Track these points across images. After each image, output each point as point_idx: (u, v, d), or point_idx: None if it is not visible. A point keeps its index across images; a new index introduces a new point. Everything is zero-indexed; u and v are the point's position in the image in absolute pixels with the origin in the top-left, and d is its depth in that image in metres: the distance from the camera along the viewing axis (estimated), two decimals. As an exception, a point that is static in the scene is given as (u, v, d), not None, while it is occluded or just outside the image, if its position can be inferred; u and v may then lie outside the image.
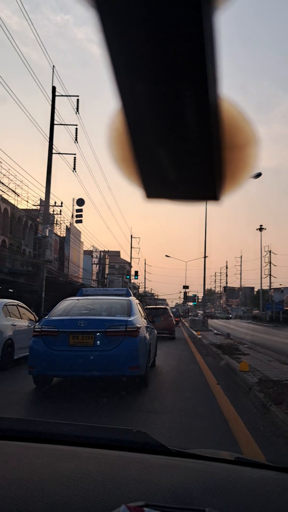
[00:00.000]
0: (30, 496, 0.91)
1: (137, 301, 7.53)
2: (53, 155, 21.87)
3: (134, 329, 5.95)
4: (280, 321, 44.94)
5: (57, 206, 25.12)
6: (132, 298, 7.39)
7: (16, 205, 31.25)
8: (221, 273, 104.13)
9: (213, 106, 0.52)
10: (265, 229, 59.42)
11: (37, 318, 10.25)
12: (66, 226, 41.35)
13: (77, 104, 24.22)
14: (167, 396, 6.14)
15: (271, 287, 63.85)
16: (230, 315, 72.54)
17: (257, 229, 58.72)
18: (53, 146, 22.04)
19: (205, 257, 27.22)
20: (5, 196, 29.15)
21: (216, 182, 0.61)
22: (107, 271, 59.16)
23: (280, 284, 67.65)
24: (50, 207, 24.09)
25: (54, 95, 22.87)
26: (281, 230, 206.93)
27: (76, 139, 23.91)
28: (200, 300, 74.50)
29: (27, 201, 29.96)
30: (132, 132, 0.55)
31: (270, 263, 62.12)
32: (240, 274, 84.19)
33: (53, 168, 22.69)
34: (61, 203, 25.09)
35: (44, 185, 21.45)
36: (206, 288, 29.67)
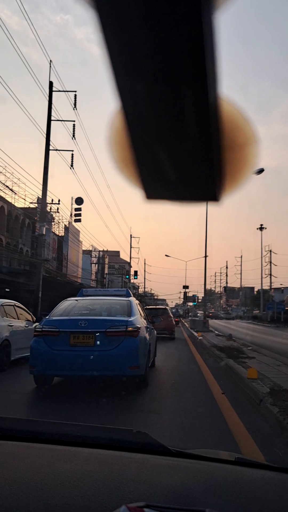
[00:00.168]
0: (30, 496, 0.91)
1: (137, 301, 7.53)
2: (51, 152, 21.44)
3: (134, 329, 5.98)
4: (281, 322, 44.43)
5: (54, 203, 24.58)
6: (132, 298, 7.40)
7: (13, 203, 30.72)
8: (221, 273, 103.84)
9: (213, 106, 0.52)
10: (266, 228, 59.01)
11: (34, 318, 10.15)
12: (65, 225, 40.85)
13: (75, 100, 23.77)
14: (167, 400, 6.14)
15: (272, 287, 63.39)
16: (235, 316, 70.60)
17: (257, 229, 58.33)
18: (50, 143, 21.56)
19: (205, 256, 26.68)
20: (1, 194, 28.64)
21: (216, 182, 0.60)
22: (106, 271, 58.66)
23: (281, 284, 67.25)
24: (47, 204, 23.59)
25: (51, 91, 22.46)
26: (281, 229, 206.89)
27: (73, 136, 23.42)
28: (200, 300, 73.95)
29: (24, 199, 29.42)
30: (132, 132, 0.55)
31: (270, 262, 61.76)
32: (240, 274, 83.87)
33: (51, 166, 22.22)
34: (58, 200, 24.50)
35: (41, 182, 20.95)
36: (206, 288, 29.13)
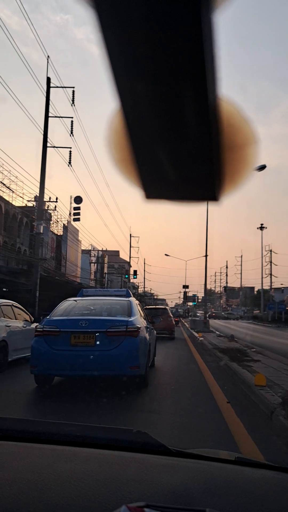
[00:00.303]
0: (31, 497, 0.90)
1: (136, 301, 7.55)
2: (49, 150, 21.04)
3: (135, 329, 6.00)
4: (282, 321, 43.97)
5: (52, 201, 24.16)
6: (132, 298, 7.43)
7: (11, 201, 30.28)
8: (221, 273, 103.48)
9: (212, 106, 0.52)
10: (266, 228, 58.65)
11: (32, 318, 10.01)
12: (63, 224, 40.40)
13: (73, 96, 23.36)
14: (167, 402, 6.02)
15: (272, 286, 62.97)
16: (239, 316, 67.59)
17: (258, 228, 57.97)
18: (48, 140, 21.12)
19: (206, 255, 26.21)
20: (-1, 192, 28.19)
21: (215, 182, 0.60)
22: (106, 271, 58.22)
23: (281, 284, 66.80)
24: (45, 203, 23.14)
25: (48, 87, 22.07)
26: (281, 229, 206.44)
27: (71, 132, 22.98)
28: (200, 300, 73.47)
29: (22, 198, 28.98)
30: (131, 132, 0.55)
31: (271, 262, 61.37)
32: (241, 274, 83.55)
33: (50, 164, 21.84)
34: (56, 198, 24.10)
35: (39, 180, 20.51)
36: (206, 287, 28.65)
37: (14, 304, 9.39)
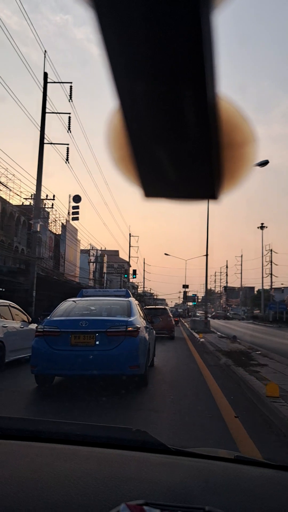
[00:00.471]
0: (30, 495, 0.90)
1: (136, 302, 7.55)
2: (47, 147, 20.59)
3: (134, 329, 6.04)
4: (283, 321, 43.49)
5: (49, 199, 23.57)
6: (132, 299, 7.47)
7: (8, 200, 29.74)
8: (221, 272, 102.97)
9: (211, 105, 0.52)
10: (266, 227, 58.21)
11: (30, 319, 9.86)
12: (62, 224, 39.86)
13: (70, 92, 22.84)
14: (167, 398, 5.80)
15: (272, 286, 62.44)
16: (244, 316, 64.80)
17: (258, 227, 57.55)
18: (45, 137, 20.63)
19: (207, 254, 25.65)
20: (-5, 190, 27.63)
21: (214, 180, 0.61)
22: (105, 270, 57.68)
23: (282, 284, 66.26)
24: (42, 200, 22.62)
25: (45, 82, 21.64)
26: (281, 229, 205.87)
27: (69, 129, 22.48)
28: (200, 300, 72.82)
29: (20, 196, 28.40)
30: (131, 131, 0.55)
31: (271, 262, 60.93)
32: (241, 273, 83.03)
33: (49, 164, 21.46)
34: (53, 196, 23.49)
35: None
36: (207, 286, 28.06)
37: (11, 305, 9.24)
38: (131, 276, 57.61)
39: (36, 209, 20.93)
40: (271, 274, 60.51)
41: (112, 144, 0.59)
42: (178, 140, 0.56)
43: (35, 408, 5.33)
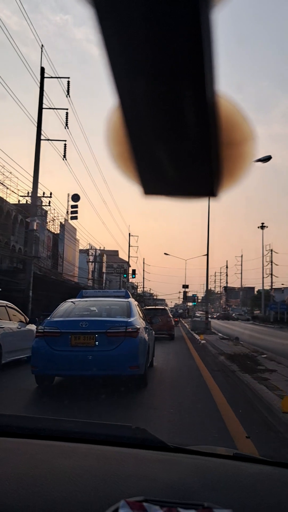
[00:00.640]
0: (30, 492, 0.90)
1: (136, 302, 7.58)
2: (45, 146, 19.99)
3: (134, 330, 6.06)
4: (284, 322, 42.94)
5: (46, 197, 23.03)
6: (131, 299, 7.50)
7: (5, 198, 29.17)
8: (221, 272, 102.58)
9: (211, 103, 0.52)
10: (267, 227, 57.74)
11: (27, 319, 9.72)
12: (60, 223, 39.32)
13: (68, 87, 22.31)
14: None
15: (273, 286, 61.93)
16: (249, 317, 61.28)
17: (258, 227, 57.14)
18: (42, 133, 20.12)
19: (207, 253, 25.10)
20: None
21: (214, 178, 0.61)
22: (104, 270, 57.14)
23: (282, 284, 65.77)
24: (39, 198, 22.10)
25: (42, 77, 21.16)
26: (282, 229, 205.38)
27: (66, 125, 21.97)
28: (199, 300, 72.27)
29: (17, 194, 27.84)
30: (130, 129, 0.56)
31: (271, 262, 60.50)
32: (241, 273, 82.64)
33: (47, 163, 21.07)
34: (50, 193, 22.97)
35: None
36: (208, 285, 27.45)
37: (9, 305, 9.09)
38: (130, 276, 57.10)
39: (33, 207, 20.40)
40: (272, 274, 60.08)
41: (111, 142, 0.59)
42: (177, 138, 0.56)
43: (35, 408, 5.34)
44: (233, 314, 67.86)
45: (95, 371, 5.80)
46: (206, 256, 24.49)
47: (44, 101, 20.61)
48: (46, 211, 33.42)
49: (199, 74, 0.47)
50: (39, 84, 20.67)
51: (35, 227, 20.34)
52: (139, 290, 75.22)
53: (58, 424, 1.43)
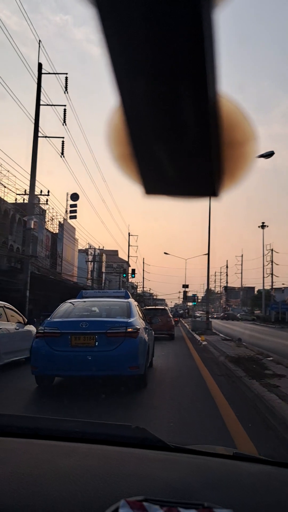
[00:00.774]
0: (30, 492, 0.90)
1: (135, 303, 7.57)
2: (43, 142, 19.56)
3: (134, 330, 6.05)
4: (285, 322, 42.53)
5: (43, 195, 22.58)
6: (131, 300, 7.50)
7: (2, 197, 28.72)
8: (221, 272, 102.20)
9: (212, 103, 0.52)
10: (267, 226, 57.38)
11: (26, 320, 9.58)
12: (59, 222, 38.91)
13: (66, 83, 21.92)
14: None
15: (273, 286, 61.54)
16: (254, 317, 59.56)
17: (259, 227, 56.79)
18: (40, 130, 19.72)
19: (208, 252, 24.66)
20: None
21: (215, 178, 0.60)
22: (103, 270, 56.72)
23: (283, 284, 65.35)
24: (36, 196, 21.68)
25: (40, 73, 20.76)
26: (282, 229, 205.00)
27: (64, 121, 21.55)
28: (199, 300, 71.81)
29: (15, 193, 27.38)
30: (131, 129, 0.55)
31: (272, 262, 60.15)
32: (241, 273, 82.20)
33: (46, 161, 20.56)
34: (48, 191, 22.54)
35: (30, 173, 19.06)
36: (209, 283, 26.95)
37: (6, 305, 8.95)
38: (130, 276, 56.71)
39: (30, 205, 19.98)
40: (272, 274, 59.73)
41: (113, 142, 0.58)
42: (179, 138, 0.55)
43: (35, 408, 5.32)
44: (238, 315, 66.90)
45: (95, 372, 5.79)
46: (206, 256, 24.05)
47: (43, 98, 20.24)
48: (45, 210, 33.00)
49: (200, 74, 0.47)
50: (36, 80, 20.27)
51: (32, 226, 19.91)
52: (139, 290, 74.85)
53: (58, 424, 1.43)
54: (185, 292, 47.49)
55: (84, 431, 1.33)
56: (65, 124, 21.74)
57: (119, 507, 0.72)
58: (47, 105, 20.99)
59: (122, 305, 7.00)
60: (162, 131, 0.55)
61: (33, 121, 19.64)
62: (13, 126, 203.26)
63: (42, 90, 20.30)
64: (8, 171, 37.67)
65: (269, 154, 16.26)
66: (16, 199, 28.16)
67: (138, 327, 6.25)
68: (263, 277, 57.86)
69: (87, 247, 48.49)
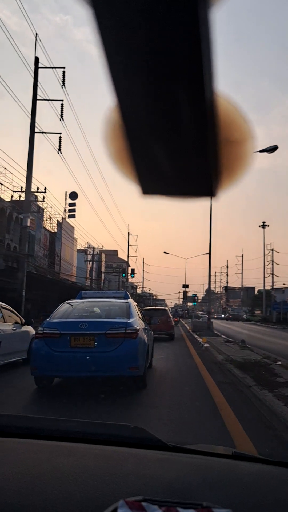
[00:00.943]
0: (29, 491, 0.90)
1: (135, 303, 7.57)
2: (40, 139, 19.00)
3: (134, 331, 6.03)
4: (287, 323, 41.96)
5: (40, 192, 22.02)
6: (131, 300, 7.48)
7: (-1, 195, 28.12)
8: (221, 272, 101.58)
9: (209, 102, 0.52)
10: (268, 226, 56.87)
11: (23, 320, 9.43)
12: (58, 221, 38.33)
13: (63, 77, 21.36)
14: None
15: (274, 286, 61.01)
16: (261, 318, 58.14)
17: (259, 226, 56.32)
18: (36, 125, 19.17)
19: (210, 251, 24.07)
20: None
21: (212, 177, 0.60)
22: (103, 269, 56.16)
23: (284, 284, 64.80)
24: (33, 193, 21.08)
25: (36, 67, 20.26)
26: (282, 229, 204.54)
27: (61, 116, 20.97)
28: (199, 300, 71.21)
29: (12, 191, 26.78)
30: (128, 128, 0.55)
31: (272, 261, 59.65)
32: (242, 273, 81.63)
33: (44, 161, 20.02)
34: (45, 189, 21.96)
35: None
36: (206, 288, 26.30)
37: (3, 306, 8.78)
38: (129, 276, 56.18)
39: (26, 202, 19.39)
40: (273, 274, 59.23)
41: (109, 141, 0.58)
42: (176, 137, 0.55)
43: (34, 408, 5.32)
44: (244, 315, 65.99)
45: (94, 372, 5.77)
46: (207, 255, 23.46)
47: (40, 94, 19.69)
48: (43, 209, 32.42)
49: (197, 73, 0.47)
50: (33, 75, 19.71)
51: (28, 224, 19.34)
52: (139, 290, 74.33)
53: (58, 424, 1.43)
54: (185, 292, 46.93)
55: (83, 431, 1.33)
56: (62, 120, 21.22)
57: (118, 507, 0.72)
58: (44, 99, 20.42)
59: (121, 306, 6.96)
60: (159, 130, 0.54)
61: (30, 116, 19.08)
62: (11, 124, 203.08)
63: (39, 85, 19.77)
64: (5, 168, 37.10)
65: (272, 149, 15.78)
66: (12, 196, 27.57)
67: (138, 327, 6.22)
68: (264, 276, 57.39)
69: (86, 246, 47.91)
